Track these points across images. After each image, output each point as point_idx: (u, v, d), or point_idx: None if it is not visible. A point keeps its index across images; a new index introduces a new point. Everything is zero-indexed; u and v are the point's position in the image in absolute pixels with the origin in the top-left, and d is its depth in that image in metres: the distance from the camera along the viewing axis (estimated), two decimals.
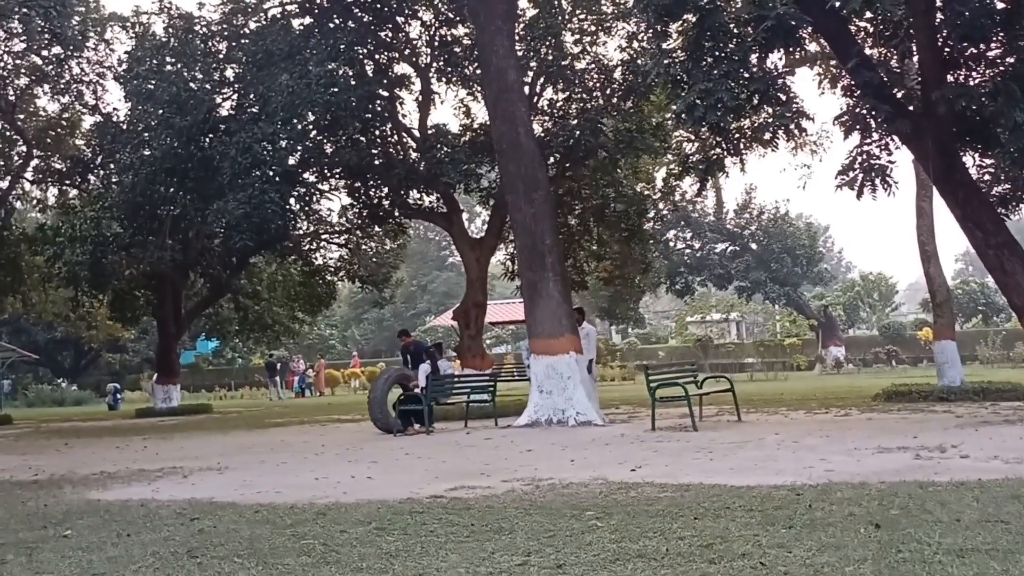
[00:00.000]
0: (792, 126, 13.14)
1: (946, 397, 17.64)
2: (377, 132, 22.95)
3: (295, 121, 20.88)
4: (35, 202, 33.04)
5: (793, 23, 11.96)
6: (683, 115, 12.57)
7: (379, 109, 22.40)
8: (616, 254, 26.59)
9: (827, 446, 10.76)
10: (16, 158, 30.70)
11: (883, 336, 47.18)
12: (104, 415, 32.84)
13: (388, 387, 16.80)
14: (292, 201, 22.22)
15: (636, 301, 39.21)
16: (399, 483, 9.23)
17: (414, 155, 22.55)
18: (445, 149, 21.33)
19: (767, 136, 13.71)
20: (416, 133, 22.80)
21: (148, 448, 15.86)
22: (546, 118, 22.30)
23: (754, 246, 44.07)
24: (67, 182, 29.73)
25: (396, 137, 23.07)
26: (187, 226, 22.90)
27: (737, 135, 13.91)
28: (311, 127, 21.71)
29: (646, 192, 26.69)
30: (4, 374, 51.32)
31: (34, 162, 30.62)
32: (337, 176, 24.01)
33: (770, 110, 12.77)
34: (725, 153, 14.01)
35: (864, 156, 13.05)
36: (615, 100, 21.71)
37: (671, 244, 42.00)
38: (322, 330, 57.66)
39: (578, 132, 20.30)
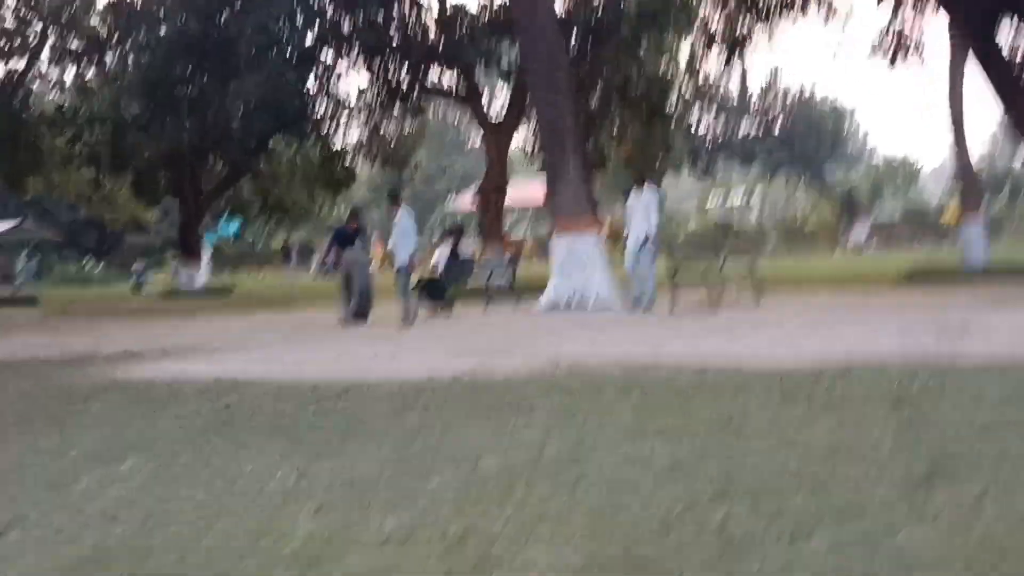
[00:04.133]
0: None
1: (971, 278, 17.54)
2: (395, 12, 22.45)
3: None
4: (52, 83, 32.79)
5: None
6: None
7: None
8: (637, 135, 26.23)
9: (847, 327, 10.77)
10: (32, 38, 30.31)
11: (906, 219, 46.72)
12: (130, 297, 33.27)
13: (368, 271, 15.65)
14: (310, 82, 21.90)
15: (657, 183, 38.73)
16: (420, 362, 9.32)
17: (433, 35, 22.08)
18: (465, 28, 20.86)
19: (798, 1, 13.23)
20: (435, 13, 22.29)
21: (173, 328, 16.09)
22: None
23: (778, 127, 43.32)
24: (84, 62, 29.38)
25: (415, 17, 22.57)
26: (205, 107, 22.66)
27: (765, 3, 13.47)
28: (328, 5, 21.26)
29: (670, 72, 26.10)
30: (30, 255, 51.87)
31: (50, 41, 30.24)
32: (355, 56, 23.61)
33: None
34: (755, 22, 13.59)
35: (899, 23, 12.63)
36: None
37: (693, 126, 41.29)
38: (342, 212, 57.66)
39: (600, 9, 19.76)
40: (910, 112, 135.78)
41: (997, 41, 12.77)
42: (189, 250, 30.10)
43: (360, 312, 14.02)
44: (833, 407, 5.66)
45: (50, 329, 17.52)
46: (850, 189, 44.59)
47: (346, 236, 15.19)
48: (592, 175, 16.85)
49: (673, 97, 26.62)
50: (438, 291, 15.99)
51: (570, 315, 14.57)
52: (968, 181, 19.40)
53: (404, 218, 14.20)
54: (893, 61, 12.51)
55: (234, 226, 49.35)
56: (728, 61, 16.69)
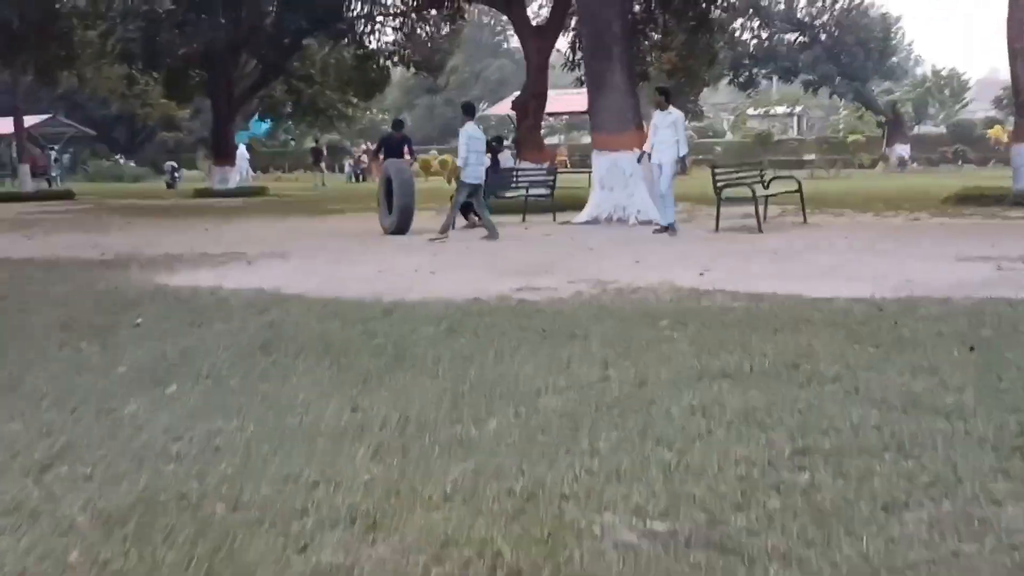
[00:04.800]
0: None
1: (1022, 202, 17.00)
2: None
3: None
4: None
5: None
6: None
7: None
8: (681, 44, 25.47)
9: (901, 252, 10.45)
10: None
11: (951, 135, 45.62)
12: (163, 193, 33.23)
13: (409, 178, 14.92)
14: None
15: (697, 93, 37.89)
16: (463, 280, 9.13)
17: None
18: None
19: None
20: None
21: (210, 231, 15.97)
22: None
23: (824, 37, 41.92)
24: None
25: None
26: (239, 3, 22.09)
27: None
28: None
29: None
30: (62, 149, 51.84)
31: None
32: None
33: None
34: None
35: None
36: None
37: (736, 34, 39.94)
38: (374, 115, 57.05)
39: None
40: (955, 21, 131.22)
41: None
42: (221, 150, 29.87)
43: (400, 229, 13.80)
44: (904, 348, 5.41)
45: (88, 226, 17.46)
46: (895, 104, 43.34)
47: (392, 145, 15.01)
48: (637, 87, 16.26)
49: (719, 2, 25.72)
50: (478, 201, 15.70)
51: (610, 230, 14.29)
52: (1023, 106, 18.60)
53: (475, 132, 13.77)
54: None
55: (265, 126, 49.00)
56: None
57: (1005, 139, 42.50)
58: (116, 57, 25.17)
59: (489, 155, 16.80)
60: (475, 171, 13.48)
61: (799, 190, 14.96)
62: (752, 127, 51.74)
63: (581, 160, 39.05)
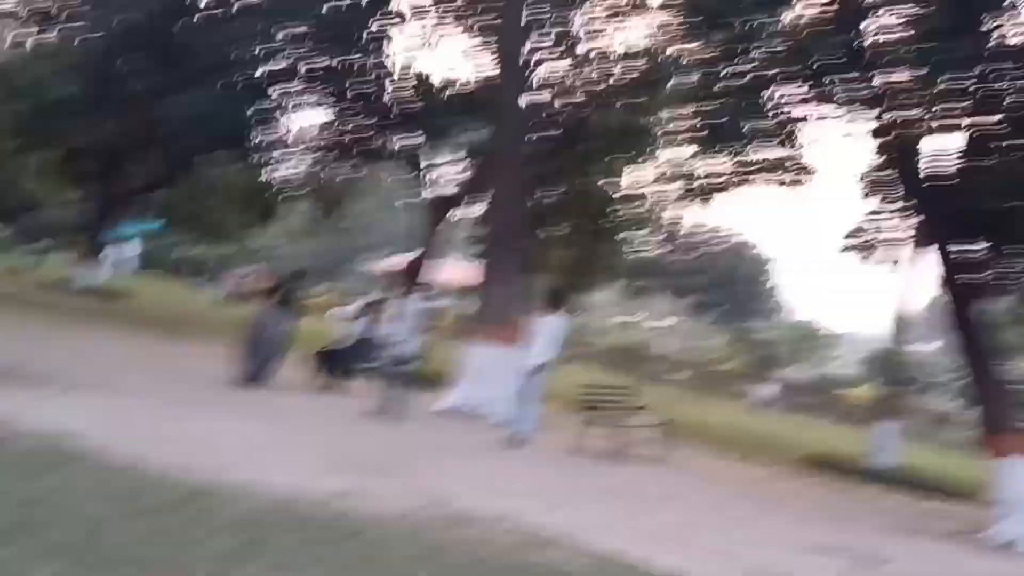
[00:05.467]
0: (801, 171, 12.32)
1: (877, 479, 17.11)
2: (357, 65, 21.70)
3: (276, 30, 19.63)
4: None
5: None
6: (705, 134, 11.66)
7: (368, 40, 21.12)
8: (580, 247, 25.69)
9: (757, 524, 10.03)
10: None
11: (817, 385, 47.10)
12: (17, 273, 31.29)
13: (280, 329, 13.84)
14: (251, 112, 21.02)
15: (584, 292, 38.25)
16: (290, 465, 8.25)
17: (388, 97, 21.39)
18: (424, 101, 20.25)
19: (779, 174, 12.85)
20: (396, 76, 21.67)
21: (40, 335, 14.68)
22: (547, 91, 21.10)
23: (715, 268, 43.46)
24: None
25: (376, 75, 21.84)
26: (146, 106, 21.35)
27: (752, 165, 13.05)
28: (290, 43, 20.50)
29: (622, 192, 25.76)
30: None
31: None
32: (308, 96, 22.78)
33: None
34: (733, 181, 13.14)
35: (877, 223, 12.34)
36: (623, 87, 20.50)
37: (633, 244, 40.99)
38: (268, 239, 55.98)
39: (585, 112, 19.26)
40: (823, 276, 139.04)
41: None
42: (90, 246, 28.37)
43: (255, 377, 12.82)
44: None
45: None
46: (769, 345, 44.75)
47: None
48: (528, 282, 16.03)
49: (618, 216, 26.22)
50: (340, 364, 14.94)
51: (469, 426, 13.60)
52: (899, 383, 19.14)
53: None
54: (866, 259, 12.21)
55: (153, 227, 47.38)
56: (702, 207, 15.97)
57: (863, 402, 44.14)
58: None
59: (359, 321, 16.09)
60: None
61: (663, 425, 14.67)
62: (628, 335, 52.56)
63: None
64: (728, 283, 43.05)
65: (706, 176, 13.50)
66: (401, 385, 12.86)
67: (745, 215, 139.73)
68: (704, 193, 13.50)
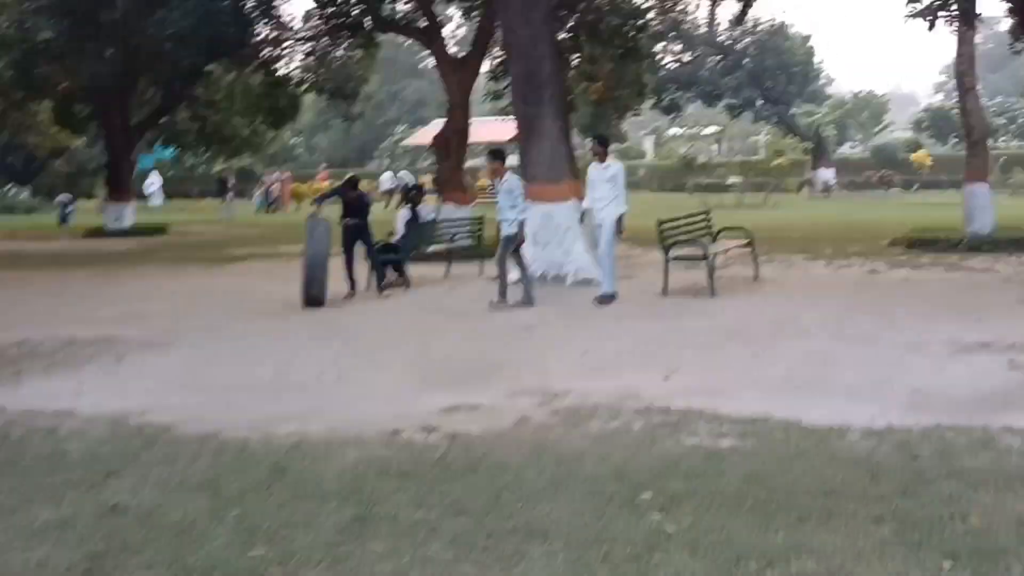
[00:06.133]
0: None
1: (978, 247, 16.02)
2: None
3: None
4: None
5: None
6: None
7: None
8: (608, 73, 24.15)
9: (884, 337, 9.04)
10: None
11: (875, 158, 45.38)
12: (53, 230, 30.75)
13: (327, 241, 12.32)
14: (248, 6, 19.41)
15: (620, 118, 36.73)
16: (377, 391, 7.48)
17: None
18: None
19: None
20: None
21: (89, 294, 13.97)
22: None
23: (747, 61, 41.27)
24: None
25: None
26: (129, 34, 20.05)
27: None
28: None
29: (643, 4, 23.96)
30: None
31: None
32: None
33: None
34: None
35: None
36: None
37: (659, 58, 39.03)
38: (286, 139, 54.80)
39: None
40: (864, 39, 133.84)
41: None
42: (117, 185, 27.55)
43: (312, 299, 11.87)
44: (985, 558, 3.91)
45: None
46: (817, 127, 42.90)
47: (347, 203, 13.21)
48: (569, 130, 14.80)
49: (646, 30, 24.51)
50: (393, 258, 14.00)
51: (547, 294, 12.73)
52: (977, 144, 17.71)
53: (515, 182, 11.94)
54: (932, 27, 10.83)
55: (170, 152, 46.44)
56: None
57: (928, 164, 42.53)
58: None
59: (408, 206, 15.19)
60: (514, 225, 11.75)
61: (751, 243, 13.68)
62: (674, 150, 50.98)
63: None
64: (766, 74, 40.91)
65: None
66: (517, 265, 11.91)
67: None
68: None
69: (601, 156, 11.94)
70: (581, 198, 13.99)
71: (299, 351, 9.23)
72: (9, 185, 49.89)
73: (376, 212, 15.96)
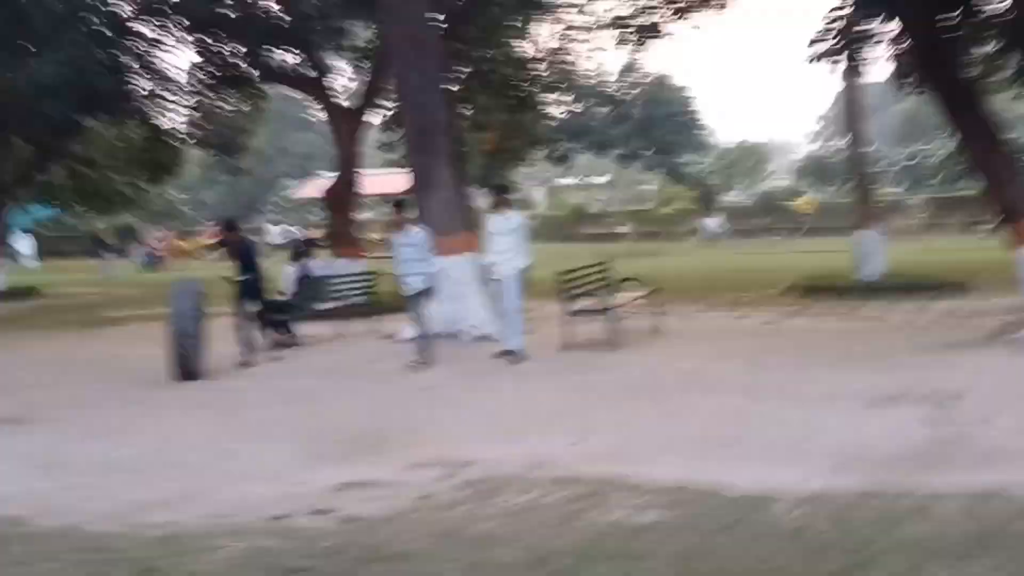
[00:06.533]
0: None
1: (870, 293, 16.19)
2: None
3: None
4: None
5: None
6: None
7: None
8: (501, 123, 24.05)
9: (794, 387, 8.80)
10: None
11: (759, 206, 46.43)
12: None
13: (196, 305, 11.00)
14: (126, 59, 18.53)
15: (512, 168, 36.70)
16: (261, 469, 6.81)
17: (275, 7, 19.04)
18: (313, 1, 18.00)
19: None
20: None
21: None
22: None
23: (635, 112, 41.87)
24: None
25: None
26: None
27: None
28: None
29: (535, 55, 23.97)
30: None
31: None
32: (182, 29, 20.29)
33: None
34: (670, 14, 11.52)
35: (844, 22, 10.86)
36: None
37: (549, 109, 39.27)
38: (169, 195, 53.09)
39: None
40: (738, 90, 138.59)
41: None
42: None
43: (184, 372, 10.60)
44: None
45: None
46: (703, 177, 43.72)
47: (232, 252, 12.25)
48: (465, 180, 14.43)
49: (538, 81, 24.55)
50: (283, 317, 13.27)
51: (444, 351, 12.20)
52: (866, 190, 18.09)
53: (423, 235, 11.33)
54: (835, 67, 10.86)
55: (46, 212, 44.41)
56: (637, 50, 14.27)
57: (811, 210, 43.68)
58: None
59: (298, 262, 14.50)
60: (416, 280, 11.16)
61: (650, 294, 13.45)
62: (564, 199, 51.27)
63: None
64: (654, 125, 41.57)
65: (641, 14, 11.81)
66: (420, 322, 11.24)
67: (660, 50, 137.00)
68: (642, 34, 11.83)
69: (502, 206, 11.50)
70: (476, 250, 13.63)
71: (175, 425, 8.46)
72: None
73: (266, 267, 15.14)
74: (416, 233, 11.36)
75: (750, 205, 49.67)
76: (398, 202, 12.10)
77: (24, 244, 43.61)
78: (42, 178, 30.00)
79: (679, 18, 12.01)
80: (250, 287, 12.01)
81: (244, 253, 12.20)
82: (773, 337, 12.53)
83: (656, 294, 13.67)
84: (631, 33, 12.42)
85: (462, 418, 8.23)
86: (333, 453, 7.18)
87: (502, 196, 11.62)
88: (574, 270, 12.70)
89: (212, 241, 14.81)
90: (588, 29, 17.63)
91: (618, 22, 14.00)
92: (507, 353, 11.08)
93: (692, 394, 8.78)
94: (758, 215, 45.03)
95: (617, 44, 14.61)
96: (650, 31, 12.16)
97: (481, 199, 18.57)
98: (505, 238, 11.22)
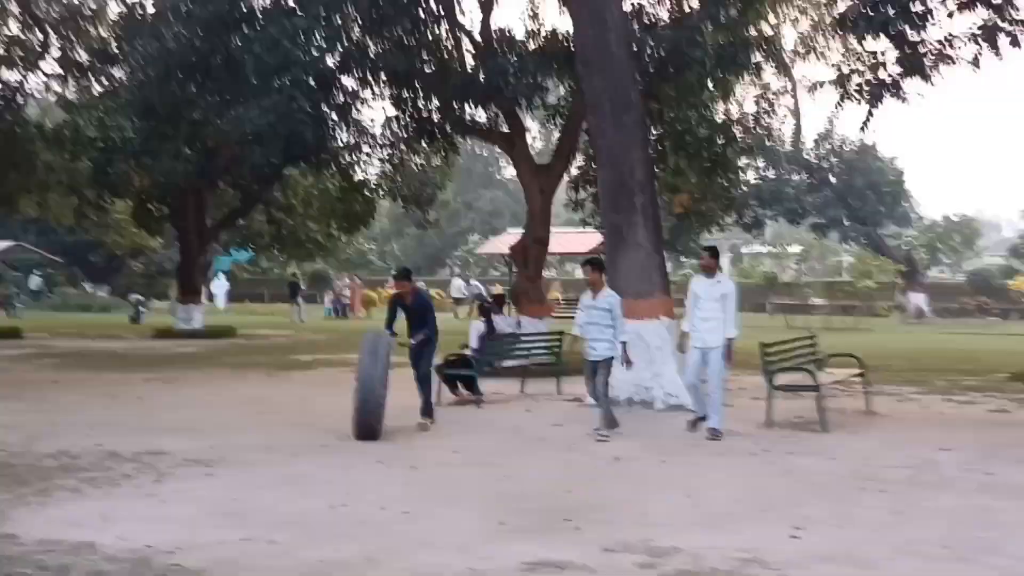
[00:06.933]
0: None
1: None
2: (430, 33, 19.51)
3: (334, 15, 17.63)
4: (55, 97, 30.00)
5: None
6: (853, 20, 9.19)
7: (433, 5, 18.97)
8: (694, 185, 23.28)
9: None
10: (34, 48, 27.59)
11: (970, 284, 43.46)
12: (123, 329, 30.51)
13: (388, 363, 10.14)
14: (327, 110, 19.01)
15: (704, 232, 35.76)
16: (446, 536, 6.31)
17: (472, 63, 19.15)
18: (510, 57, 17.94)
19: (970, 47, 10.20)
20: (476, 37, 19.35)
21: (143, 400, 13.12)
22: (632, 24, 18.70)
23: (833, 180, 40.15)
24: (88, 77, 26.60)
25: (452, 41, 19.64)
26: (207, 134, 19.83)
27: (922, 48, 10.49)
28: (353, 23, 18.42)
29: (733, 116, 23.14)
30: (41, 274, 49.18)
31: (55, 53, 27.50)
32: (382, 83, 20.73)
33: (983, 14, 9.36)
34: (907, 72, 10.60)
35: None
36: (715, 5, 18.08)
37: (742, 173, 38.20)
38: (360, 244, 54.86)
39: (674, 43, 16.77)
40: (945, 164, 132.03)
41: None
42: (187, 286, 27.25)
43: (364, 434, 9.88)
44: None
45: (6, 384, 14.55)
46: (909, 249, 41.29)
47: (405, 307, 11.08)
48: (662, 240, 13.81)
49: (734, 146, 23.70)
50: (468, 373, 12.95)
51: (635, 421, 11.51)
52: None
53: (617, 299, 10.58)
54: None
55: (245, 256, 46.67)
56: (868, 115, 13.29)
57: None
58: (65, 188, 22.70)
59: (483, 318, 14.19)
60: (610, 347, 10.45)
61: (863, 372, 12.33)
62: (753, 267, 49.59)
63: (576, 297, 36.55)
64: (854, 194, 39.73)
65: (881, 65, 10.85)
66: (600, 391, 10.45)
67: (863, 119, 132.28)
68: (875, 89, 10.91)
69: (711, 269, 10.59)
70: (672, 315, 12.91)
71: (358, 481, 8.11)
72: (87, 283, 50.55)
73: (446, 321, 14.93)
74: (607, 296, 10.64)
75: (958, 283, 46.69)
76: (593, 261, 11.28)
77: (218, 286, 45.84)
78: (243, 223, 31.57)
79: (908, 78, 11.00)
80: (421, 350, 10.95)
81: (418, 307, 11.13)
82: (1007, 428, 11.17)
83: (871, 373, 12.56)
84: (860, 89, 11.48)
85: (659, 497, 7.51)
86: (521, 525, 6.62)
87: (713, 258, 10.68)
88: (779, 343, 11.79)
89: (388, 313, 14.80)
90: (811, 88, 16.64)
91: (845, 77, 13.03)
92: (712, 431, 10.14)
93: (923, 489, 7.74)
94: (967, 294, 42.14)
95: (839, 102, 13.58)
96: (885, 88, 11.18)
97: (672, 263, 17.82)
98: (712, 304, 10.29)
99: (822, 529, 6.48)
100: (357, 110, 21.90)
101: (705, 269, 10.62)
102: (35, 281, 50.31)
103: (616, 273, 12.86)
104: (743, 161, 36.20)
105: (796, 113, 38.71)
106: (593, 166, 18.93)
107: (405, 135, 23.36)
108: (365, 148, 26.87)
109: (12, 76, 26.32)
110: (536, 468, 8.74)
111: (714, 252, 10.76)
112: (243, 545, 6.06)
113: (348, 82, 19.90)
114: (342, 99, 19.79)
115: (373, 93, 21.60)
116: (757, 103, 24.31)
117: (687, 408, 11.42)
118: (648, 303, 12.45)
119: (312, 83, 17.19)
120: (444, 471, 8.61)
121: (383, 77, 19.03)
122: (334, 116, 20.39)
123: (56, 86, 28.46)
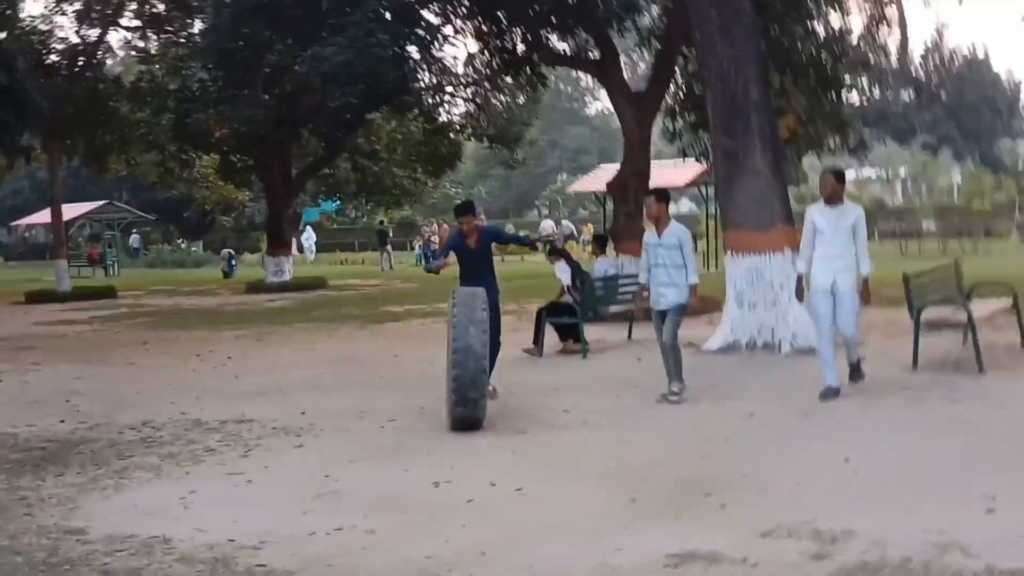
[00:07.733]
0: None
1: None
2: None
3: None
4: (134, 52, 29.66)
5: None
6: None
7: None
8: (801, 107, 21.66)
9: None
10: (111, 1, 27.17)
11: None
12: (216, 284, 30.50)
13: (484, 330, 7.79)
14: (408, 47, 18.03)
15: (814, 154, 33.84)
16: (571, 521, 5.39)
17: None
18: None
19: None
20: None
21: (229, 365, 12.50)
22: None
23: (943, 96, 37.67)
24: (165, 28, 26.10)
25: None
26: (285, 78, 19.06)
27: None
28: None
29: (843, 31, 21.39)
30: (136, 231, 49.96)
31: (132, 5, 27.02)
32: (463, 15, 19.63)
33: None
34: None
35: None
36: None
37: (847, 92, 36.03)
38: (446, 188, 54.15)
39: None
40: None
41: None
42: (276, 239, 26.83)
43: (463, 424, 7.77)
44: None
45: (89, 353, 14.13)
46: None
47: (463, 252, 9.29)
48: (782, 165, 12.53)
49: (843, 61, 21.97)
50: (571, 321, 11.98)
51: (758, 365, 10.43)
52: None
53: (687, 234, 9.09)
54: None
55: (332, 206, 46.42)
56: None
57: None
58: (146, 142, 22.26)
59: (562, 260, 12.85)
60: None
61: (1015, 305, 10.96)
62: (859, 192, 47.30)
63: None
64: (966, 110, 37.25)
65: None
66: (671, 338, 9.03)
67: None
68: None
69: (836, 196, 8.72)
70: (796, 248, 11.65)
71: (462, 449, 7.25)
72: (181, 239, 51.10)
73: (540, 263, 13.86)
74: (676, 231, 8.95)
75: None
76: (658, 191, 9.41)
77: (307, 237, 45.76)
78: (328, 172, 31.01)
79: None
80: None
81: (485, 249, 9.42)
82: None
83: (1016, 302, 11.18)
84: None
85: (810, 463, 6.45)
86: (654, 503, 5.68)
87: (839, 183, 8.96)
88: (924, 272, 10.48)
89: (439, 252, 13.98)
90: None
91: None
92: (856, 374, 8.89)
93: None
94: None
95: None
96: None
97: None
98: (840, 237, 8.57)
99: (1018, 502, 5.37)
100: (439, 47, 20.93)
101: (831, 197, 8.71)
102: (135, 239, 51.12)
103: (732, 204, 11.69)
104: (851, 79, 34.09)
105: (902, 24, 36.29)
106: (695, 91, 17.62)
107: (489, 71, 22.27)
108: (448, 88, 25.99)
109: (92, 32, 26.04)
110: (658, 428, 7.76)
111: (840, 176, 9.02)
112: (337, 537, 5.27)
113: (428, 16, 18.88)
114: (422, 34, 18.80)
115: (454, 28, 20.56)
116: (867, 13, 22.50)
117: (816, 353, 10.20)
118: (769, 235, 11.25)
119: (390, 17, 16.18)
120: (556, 435, 7.68)
121: (464, 6, 17.88)
122: (415, 54, 19.46)
123: (135, 40, 28.17)
